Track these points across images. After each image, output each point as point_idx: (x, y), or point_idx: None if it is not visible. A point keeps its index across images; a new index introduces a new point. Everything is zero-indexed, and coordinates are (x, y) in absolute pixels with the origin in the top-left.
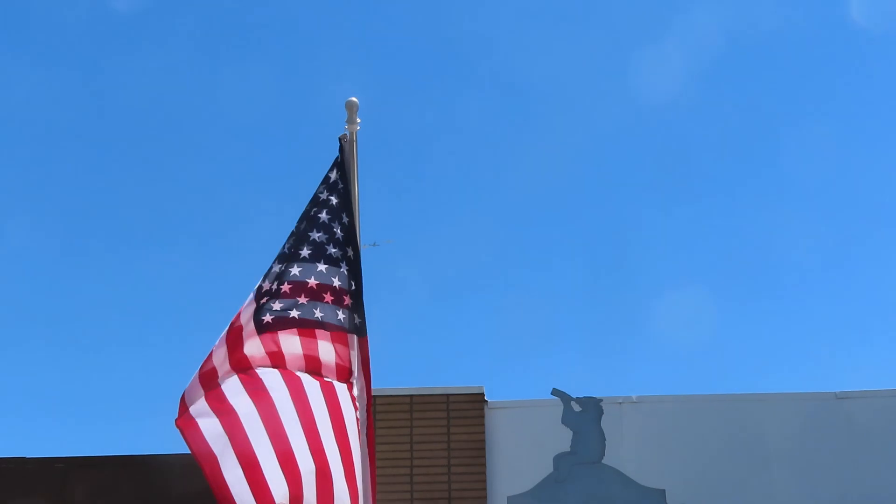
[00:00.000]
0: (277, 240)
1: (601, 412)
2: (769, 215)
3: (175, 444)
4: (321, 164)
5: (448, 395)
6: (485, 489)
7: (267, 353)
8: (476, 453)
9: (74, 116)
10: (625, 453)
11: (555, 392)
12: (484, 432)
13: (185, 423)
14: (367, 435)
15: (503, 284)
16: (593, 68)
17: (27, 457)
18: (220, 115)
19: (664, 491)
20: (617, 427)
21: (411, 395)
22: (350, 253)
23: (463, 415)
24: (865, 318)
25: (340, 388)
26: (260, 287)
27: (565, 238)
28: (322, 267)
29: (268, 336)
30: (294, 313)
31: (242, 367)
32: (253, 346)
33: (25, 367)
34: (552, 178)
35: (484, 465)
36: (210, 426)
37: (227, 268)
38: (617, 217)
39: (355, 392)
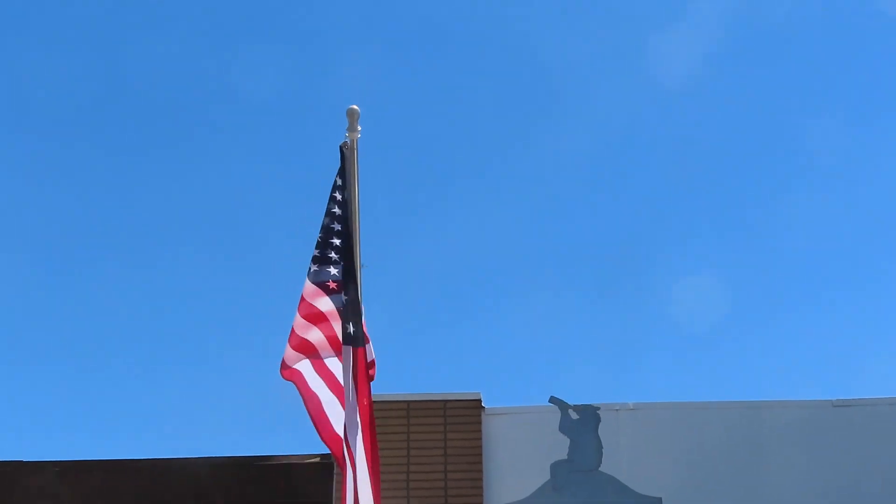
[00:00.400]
0: (284, 232)
1: (598, 420)
2: (783, 203)
3: (171, 449)
4: (334, 155)
5: (445, 401)
6: (481, 496)
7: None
8: (473, 459)
9: (78, 103)
10: (621, 461)
11: (552, 400)
12: (481, 439)
13: (292, 374)
14: (365, 440)
15: (502, 288)
16: (607, 54)
17: (23, 460)
18: (231, 106)
19: (661, 499)
20: (613, 434)
21: (408, 401)
22: (343, 264)
23: (460, 421)
24: (866, 325)
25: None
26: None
27: (569, 239)
28: (334, 271)
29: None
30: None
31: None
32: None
33: (23, 368)
34: (560, 171)
35: (481, 471)
36: (320, 389)
37: (235, 268)
38: (626, 208)
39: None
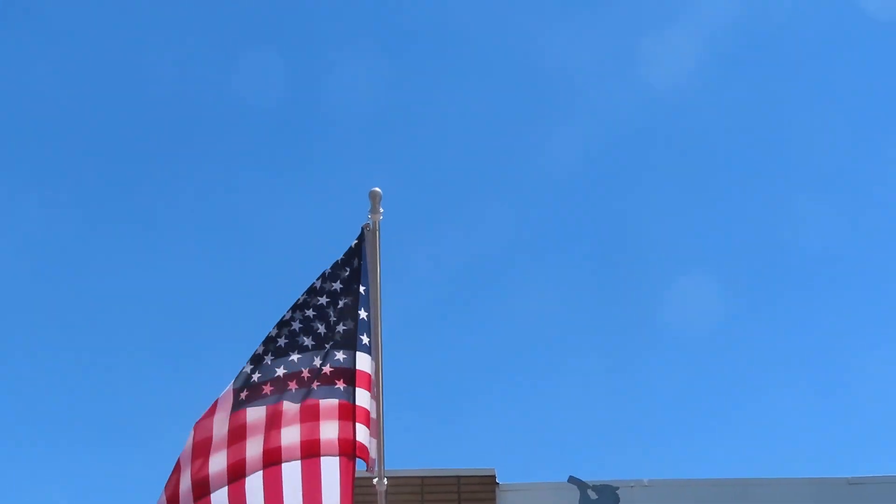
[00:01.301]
0: (287, 229)
1: (617, 500)
2: (781, 205)
3: None
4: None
5: (459, 477)
6: None
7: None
8: None
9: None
10: None
11: (572, 480)
12: None
13: None
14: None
15: (516, 363)
16: (603, 55)
17: None
18: (231, 111)
19: None
20: None
21: (422, 477)
22: (366, 340)
23: (474, 497)
24: (879, 403)
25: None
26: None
27: (571, 266)
28: (340, 355)
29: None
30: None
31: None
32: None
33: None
34: (558, 179)
35: None
36: None
37: (234, 273)
38: (627, 213)
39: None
